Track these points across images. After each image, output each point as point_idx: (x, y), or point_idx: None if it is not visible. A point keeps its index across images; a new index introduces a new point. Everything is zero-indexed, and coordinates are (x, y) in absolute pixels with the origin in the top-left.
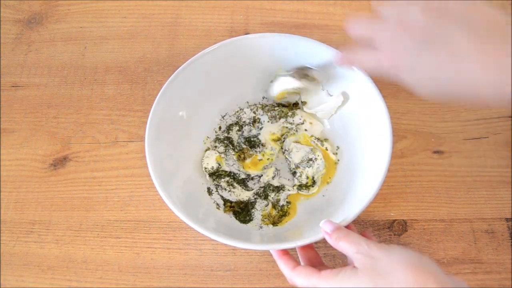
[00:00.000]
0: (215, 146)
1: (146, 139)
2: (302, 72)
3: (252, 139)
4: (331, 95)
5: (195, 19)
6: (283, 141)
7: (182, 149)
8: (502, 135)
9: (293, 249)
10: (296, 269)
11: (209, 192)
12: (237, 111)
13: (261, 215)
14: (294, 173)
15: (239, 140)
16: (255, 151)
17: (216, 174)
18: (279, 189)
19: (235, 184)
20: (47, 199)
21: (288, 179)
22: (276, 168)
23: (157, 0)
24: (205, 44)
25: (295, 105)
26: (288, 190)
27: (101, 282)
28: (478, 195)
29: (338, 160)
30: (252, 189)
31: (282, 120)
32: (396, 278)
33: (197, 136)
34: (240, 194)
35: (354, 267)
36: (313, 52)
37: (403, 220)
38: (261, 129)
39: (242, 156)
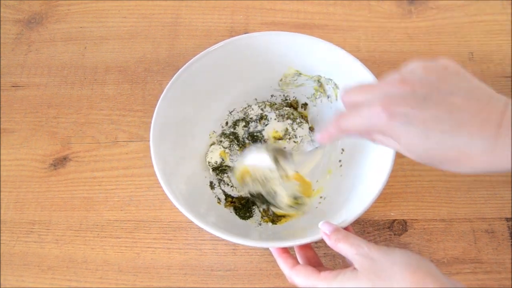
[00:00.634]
0: (220, 141)
1: (151, 134)
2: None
3: (255, 134)
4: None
5: (195, 19)
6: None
7: (187, 143)
8: None
9: (292, 250)
10: (296, 268)
11: (212, 186)
12: (245, 108)
13: (261, 212)
14: None
15: (244, 136)
16: (256, 146)
17: (219, 169)
18: (271, 196)
19: None
20: (47, 199)
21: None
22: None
23: (157, 0)
24: (205, 44)
25: (304, 107)
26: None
27: (101, 282)
28: (478, 195)
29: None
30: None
31: (289, 121)
32: (395, 279)
33: (203, 130)
34: (241, 190)
35: (354, 268)
36: (317, 50)
37: (403, 220)
38: (266, 125)
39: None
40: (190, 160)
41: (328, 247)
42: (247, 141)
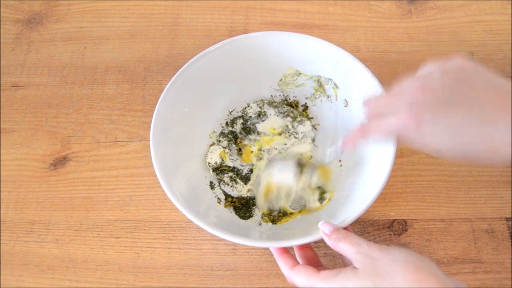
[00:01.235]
0: (219, 141)
1: (151, 134)
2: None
3: (248, 126)
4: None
5: (195, 19)
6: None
7: (187, 143)
8: None
9: (293, 249)
10: (295, 268)
11: (212, 186)
12: (245, 107)
13: (261, 212)
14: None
15: (239, 131)
16: (249, 138)
17: (219, 169)
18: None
19: (237, 179)
20: (47, 199)
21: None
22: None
23: (157, 0)
24: (205, 44)
25: (304, 109)
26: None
27: (101, 282)
28: (478, 195)
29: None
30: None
31: (289, 119)
32: (396, 278)
33: (203, 130)
34: (241, 190)
35: (354, 267)
36: (317, 50)
37: (403, 219)
38: (263, 120)
39: (239, 148)
40: (190, 160)
41: (328, 247)
42: (240, 135)
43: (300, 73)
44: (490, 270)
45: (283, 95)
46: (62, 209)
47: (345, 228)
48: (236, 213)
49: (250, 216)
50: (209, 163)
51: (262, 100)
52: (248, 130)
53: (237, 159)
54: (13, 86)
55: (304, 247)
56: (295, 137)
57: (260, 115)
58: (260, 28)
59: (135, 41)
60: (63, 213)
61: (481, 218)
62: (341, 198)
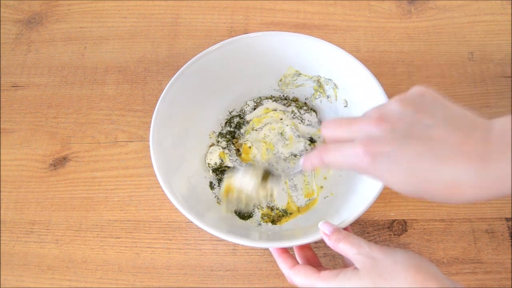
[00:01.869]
0: (218, 141)
1: (151, 134)
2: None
3: (239, 121)
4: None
5: (195, 19)
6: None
7: (187, 144)
8: None
9: (292, 249)
10: (295, 268)
11: (211, 186)
12: (243, 106)
13: (261, 213)
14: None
15: (232, 129)
16: (241, 132)
17: (219, 170)
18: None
19: None
20: (47, 199)
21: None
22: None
23: (157, 0)
24: (205, 44)
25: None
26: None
27: (101, 282)
28: None
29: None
30: None
31: (293, 107)
32: (397, 279)
33: (203, 131)
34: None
35: (355, 268)
36: (317, 50)
37: (403, 220)
38: (255, 108)
39: (237, 148)
40: (190, 160)
41: (328, 247)
42: (234, 130)
43: (300, 73)
44: (490, 271)
45: (283, 96)
46: (62, 209)
47: (345, 229)
48: (236, 213)
49: (250, 216)
50: (208, 163)
51: (259, 97)
52: (239, 125)
53: (236, 159)
54: (13, 86)
55: (303, 247)
56: (302, 121)
57: (258, 105)
58: (260, 28)
59: (135, 41)
60: (63, 213)
61: (481, 218)
62: (341, 198)
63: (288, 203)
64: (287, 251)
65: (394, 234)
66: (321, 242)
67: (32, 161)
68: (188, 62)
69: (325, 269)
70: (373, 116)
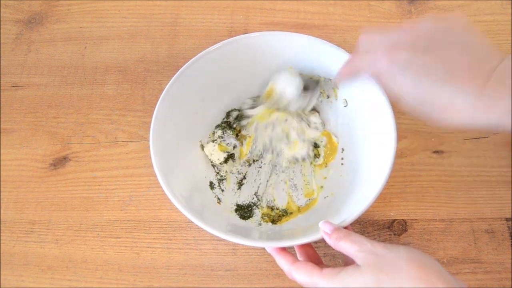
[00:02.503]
0: (213, 132)
1: (151, 134)
2: (311, 83)
3: (240, 114)
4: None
5: (195, 19)
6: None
7: (187, 144)
8: (502, 135)
9: (291, 249)
10: (296, 264)
11: (211, 186)
12: (241, 104)
13: (261, 213)
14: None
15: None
16: (242, 124)
17: (229, 157)
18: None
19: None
20: (47, 199)
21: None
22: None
23: (157, 0)
24: (205, 44)
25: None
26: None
27: (101, 282)
28: (478, 195)
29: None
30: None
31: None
32: (400, 274)
33: (203, 131)
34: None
35: (356, 265)
36: (317, 50)
37: (403, 220)
38: (255, 107)
39: (239, 135)
40: (190, 160)
41: (328, 246)
42: (235, 123)
43: (300, 73)
44: (490, 270)
45: None
46: (62, 209)
47: (345, 228)
48: (236, 212)
49: (250, 216)
50: (219, 163)
51: (259, 95)
52: (240, 117)
53: (234, 142)
54: (13, 86)
55: (304, 245)
56: (308, 124)
57: (254, 107)
58: (260, 28)
59: (135, 41)
60: (63, 213)
61: (481, 218)
62: (341, 198)
63: (288, 202)
64: (285, 249)
65: (394, 234)
66: (321, 242)
67: (32, 161)
68: (188, 62)
69: (327, 266)
70: (405, 28)
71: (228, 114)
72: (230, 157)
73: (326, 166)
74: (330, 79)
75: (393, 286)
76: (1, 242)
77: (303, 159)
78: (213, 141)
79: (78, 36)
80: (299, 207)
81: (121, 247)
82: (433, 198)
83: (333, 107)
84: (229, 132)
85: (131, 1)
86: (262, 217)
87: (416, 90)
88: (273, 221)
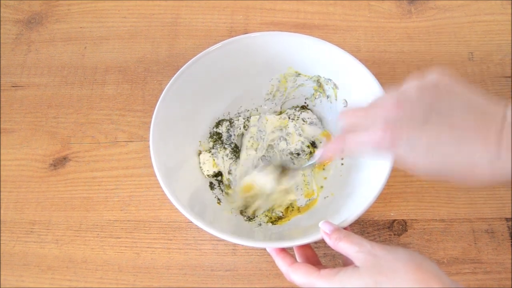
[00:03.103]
0: (208, 141)
1: (151, 134)
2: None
3: (227, 125)
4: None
5: (195, 19)
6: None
7: (187, 144)
8: None
9: (290, 250)
10: (294, 265)
11: (211, 186)
12: (234, 118)
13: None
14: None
15: (228, 137)
16: (232, 135)
17: (218, 175)
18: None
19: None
20: (47, 199)
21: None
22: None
23: (157, 0)
24: (205, 44)
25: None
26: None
27: (101, 282)
28: (478, 195)
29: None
30: None
31: (287, 111)
32: (398, 276)
33: (203, 131)
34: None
35: (355, 266)
36: (317, 50)
37: (403, 220)
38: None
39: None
40: (190, 160)
41: (328, 247)
42: (232, 142)
43: (300, 74)
44: (490, 271)
45: (272, 108)
46: (62, 209)
47: (345, 229)
48: (241, 214)
49: (252, 219)
50: (207, 175)
51: (249, 111)
52: (229, 128)
53: (226, 160)
54: (13, 86)
55: (303, 246)
56: (304, 121)
57: (245, 126)
58: (260, 28)
59: (135, 41)
60: (63, 213)
61: (481, 219)
62: (341, 198)
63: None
64: (285, 250)
65: (394, 234)
66: (321, 242)
67: (32, 161)
68: (188, 62)
69: (325, 267)
70: (390, 101)
71: (218, 123)
72: (221, 174)
73: (323, 169)
74: (330, 79)
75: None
76: (1, 242)
77: (298, 154)
78: (209, 150)
79: (78, 36)
80: (299, 207)
81: (121, 247)
82: (433, 198)
83: (333, 107)
84: (219, 148)
85: (131, 1)
86: (262, 217)
87: (431, 166)
88: (273, 222)
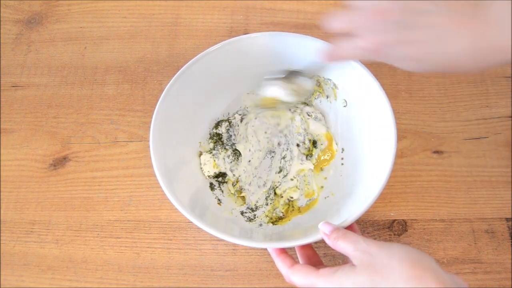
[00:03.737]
0: (208, 143)
1: (151, 135)
2: (292, 78)
3: (227, 125)
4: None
5: (195, 19)
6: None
7: (187, 144)
8: (502, 135)
9: (292, 250)
10: (294, 267)
11: (212, 187)
12: (231, 117)
13: (263, 214)
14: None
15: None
16: (233, 135)
17: (219, 176)
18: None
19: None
20: (47, 199)
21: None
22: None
23: (157, 0)
24: (205, 44)
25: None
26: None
27: (101, 282)
28: (478, 195)
29: (342, 160)
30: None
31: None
32: (393, 274)
33: (203, 131)
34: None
35: (352, 265)
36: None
37: (403, 220)
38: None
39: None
40: (190, 161)
41: (328, 247)
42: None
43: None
44: (490, 271)
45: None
46: (62, 209)
47: (351, 226)
48: (241, 214)
49: (252, 220)
50: (208, 176)
51: (246, 108)
52: (228, 129)
53: (226, 161)
54: (13, 86)
55: (304, 246)
56: (308, 115)
57: (242, 119)
58: (260, 28)
59: (135, 41)
60: (63, 213)
61: (481, 219)
62: (341, 198)
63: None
64: (285, 251)
65: (394, 234)
66: (321, 242)
67: (32, 161)
68: (188, 62)
69: (325, 266)
70: (367, 10)
71: (218, 124)
72: (222, 175)
73: (321, 170)
74: (330, 79)
75: (387, 286)
76: (1, 242)
77: (297, 145)
78: (210, 151)
79: (78, 36)
80: (299, 207)
81: (121, 247)
82: (433, 198)
83: (332, 107)
84: (220, 149)
85: (131, 1)
86: (262, 218)
87: (417, 65)
88: (274, 222)
